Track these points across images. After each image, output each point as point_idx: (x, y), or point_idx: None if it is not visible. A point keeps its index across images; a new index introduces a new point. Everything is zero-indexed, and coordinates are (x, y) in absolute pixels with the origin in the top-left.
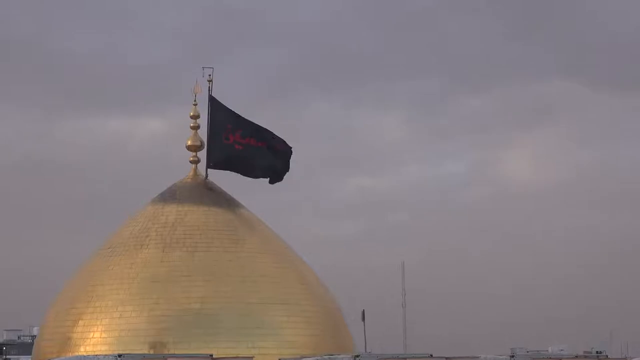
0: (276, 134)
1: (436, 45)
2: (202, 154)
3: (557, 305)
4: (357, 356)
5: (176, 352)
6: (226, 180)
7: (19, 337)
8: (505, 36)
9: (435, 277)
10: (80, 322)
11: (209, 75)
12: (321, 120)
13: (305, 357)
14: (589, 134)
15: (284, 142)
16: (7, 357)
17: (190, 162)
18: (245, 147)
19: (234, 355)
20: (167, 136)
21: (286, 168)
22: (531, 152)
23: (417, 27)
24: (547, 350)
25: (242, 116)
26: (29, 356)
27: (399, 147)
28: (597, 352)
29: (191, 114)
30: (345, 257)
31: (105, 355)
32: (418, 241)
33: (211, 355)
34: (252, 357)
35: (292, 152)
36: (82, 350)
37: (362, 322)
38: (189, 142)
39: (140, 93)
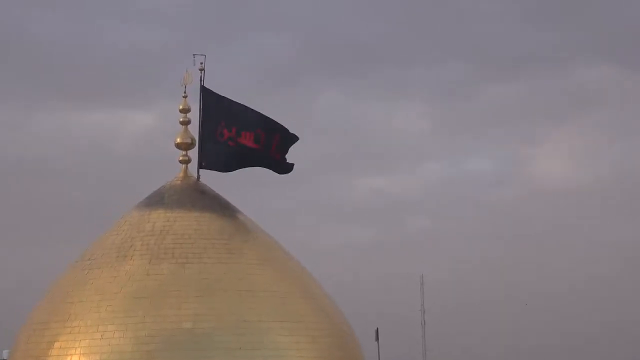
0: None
1: (459, 28)
2: (194, 153)
3: (600, 323)
4: None
5: None
6: (221, 182)
7: None
8: (539, 17)
9: (458, 291)
10: (56, 345)
11: (201, 63)
12: (328, 113)
13: None
14: (635, 126)
15: (289, 139)
16: None
17: (180, 161)
18: (239, 147)
19: None
20: (155, 133)
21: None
22: (569, 146)
23: (437, 6)
24: None
25: (243, 104)
26: None
27: (417, 143)
28: None
29: (180, 107)
30: (356, 269)
31: None
32: (439, 250)
33: None
34: None
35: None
36: None
37: (376, 342)
38: (179, 140)
39: (125, 84)
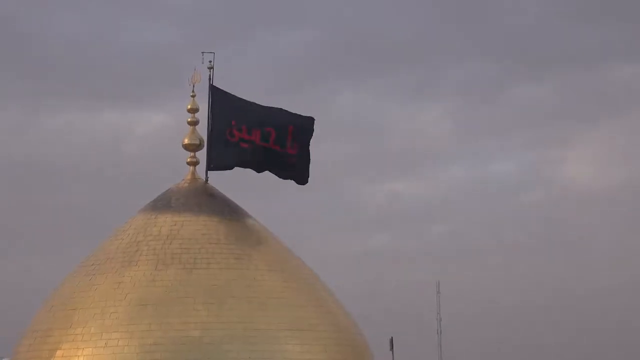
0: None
1: (484, 26)
2: (202, 154)
3: (628, 330)
4: None
5: None
6: (230, 184)
7: None
8: (568, 14)
9: (476, 299)
10: (59, 353)
11: (210, 61)
12: (346, 114)
13: None
14: None
15: (302, 138)
16: None
17: (188, 163)
18: (252, 146)
19: None
20: (163, 134)
21: (303, 178)
22: (598, 149)
23: (461, 5)
24: None
25: (252, 101)
26: None
27: (438, 145)
28: None
29: (189, 107)
30: (370, 276)
31: None
32: (458, 256)
33: None
34: None
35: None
36: None
37: (391, 352)
38: (186, 141)
39: (133, 84)
